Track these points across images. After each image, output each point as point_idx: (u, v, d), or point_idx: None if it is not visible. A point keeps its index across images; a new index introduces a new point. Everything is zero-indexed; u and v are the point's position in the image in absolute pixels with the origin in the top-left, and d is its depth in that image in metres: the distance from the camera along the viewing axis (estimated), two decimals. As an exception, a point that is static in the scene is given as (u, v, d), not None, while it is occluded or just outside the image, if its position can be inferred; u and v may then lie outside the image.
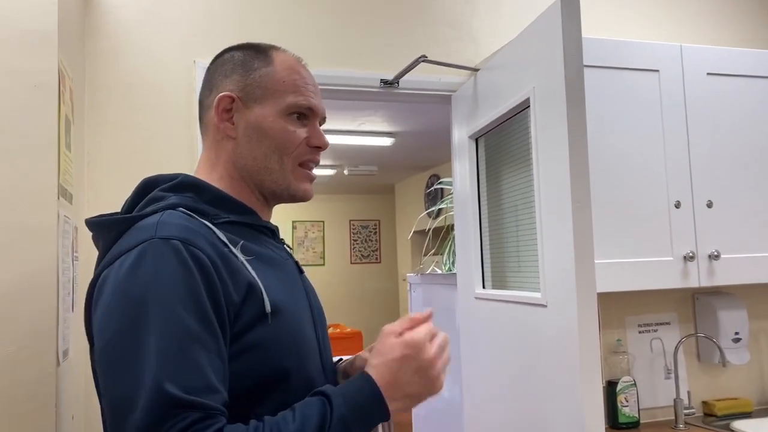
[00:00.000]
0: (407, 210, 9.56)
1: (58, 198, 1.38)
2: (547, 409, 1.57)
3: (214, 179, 1.04)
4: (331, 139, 6.51)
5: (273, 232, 1.10)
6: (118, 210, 1.04)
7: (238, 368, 0.87)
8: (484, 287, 2.06)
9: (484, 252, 2.07)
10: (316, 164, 1.09)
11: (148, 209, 0.96)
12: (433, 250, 2.90)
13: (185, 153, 2.00)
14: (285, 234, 11.07)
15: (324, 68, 2.16)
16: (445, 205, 2.70)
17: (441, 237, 2.89)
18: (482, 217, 2.08)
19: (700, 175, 2.10)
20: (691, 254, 2.04)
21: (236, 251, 0.94)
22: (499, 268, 2.03)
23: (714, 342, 2.27)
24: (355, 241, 11.62)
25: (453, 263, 2.66)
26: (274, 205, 1.10)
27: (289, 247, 1.15)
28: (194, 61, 2.03)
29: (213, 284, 0.86)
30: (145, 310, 0.82)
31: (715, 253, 2.07)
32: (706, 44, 2.56)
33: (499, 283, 2.03)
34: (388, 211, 10.87)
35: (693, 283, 2.06)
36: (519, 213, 1.91)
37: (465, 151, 2.13)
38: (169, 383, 0.78)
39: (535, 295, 1.64)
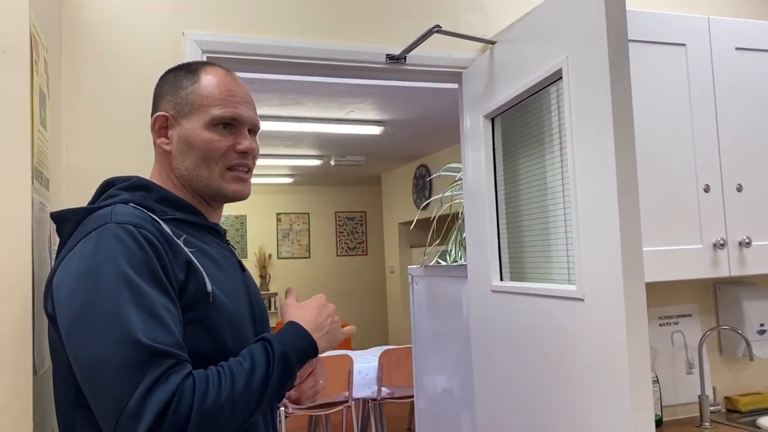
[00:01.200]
0: (394, 201, 9.40)
1: (33, 182, 1.20)
2: (583, 416, 1.42)
3: (162, 182, 1.18)
4: (319, 128, 6.32)
5: (218, 232, 1.22)
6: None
7: (191, 336, 1.01)
8: (501, 279, 1.90)
9: (501, 241, 1.91)
10: (247, 168, 1.19)
11: (102, 203, 1.08)
12: (437, 241, 2.74)
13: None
14: (269, 226, 10.85)
15: (325, 41, 1.98)
16: (450, 193, 2.54)
17: (446, 227, 2.73)
18: (499, 203, 1.92)
19: (729, 157, 1.96)
20: (721, 241, 1.90)
21: (179, 243, 1.06)
22: (520, 259, 1.87)
23: (740, 334, 2.14)
24: (341, 233, 11.44)
25: (460, 254, 2.51)
26: (218, 206, 1.23)
27: (233, 247, 1.28)
28: (183, 33, 1.84)
29: (163, 261, 1.00)
30: (111, 282, 0.94)
31: (746, 240, 1.93)
32: (735, 17, 2.42)
33: (519, 274, 1.88)
34: (374, 203, 10.69)
35: (723, 272, 1.93)
36: (545, 198, 1.76)
37: (479, 133, 1.97)
38: (144, 337, 0.91)
39: (569, 288, 1.49)
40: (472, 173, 2.03)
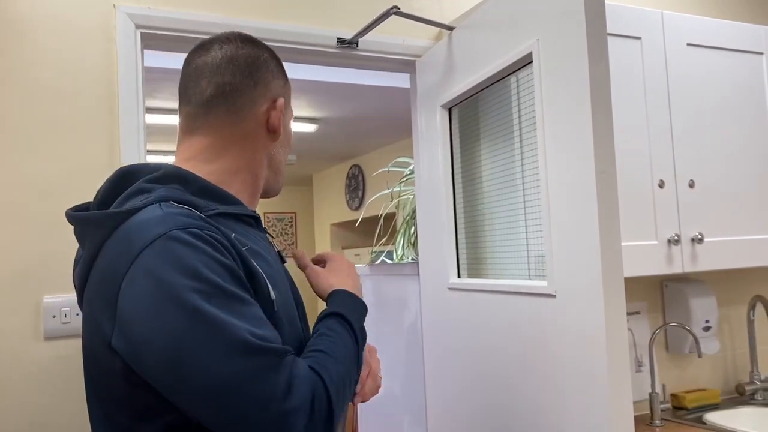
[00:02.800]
0: (326, 202, 9.24)
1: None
2: (557, 420, 1.34)
3: (206, 170, 1.02)
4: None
5: (257, 220, 1.07)
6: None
7: None
8: (459, 276, 1.81)
9: (459, 237, 1.83)
10: None
11: (138, 202, 0.91)
12: (384, 239, 2.63)
13: (102, 120, 1.63)
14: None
15: (272, 21, 1.84)
16: (398, 188, 2.44)
17: (392, 225, 2.63)
18: (457, 196, 1.83)
19: (682, 152, 1.95)
20: (676, 237, 1.89)
21: (242, 246, 0.94)
22: (479, 255, 1.79)
23: (689, 331, 2.14)
24: (269, 235, 11.16)
25: (407, 252, 2.41)
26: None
27: (270, 236, 1.12)
28: (114, 6, 1.66)
29: (237, 262, 0.89)
30: (196, 293, 0.81)
31: (699, 237, 1.92)
32: (687, 13, 2.43)
33: (478, 271, 1.80)
34: (305, 203, 10.48)
35: (677, 268, 1.91)
36: (508, 190, 1.68)
37: (435, 124, 1.88)
38: (256, 340, 0.81)
39: (539, 284, 1.41)
40: (427, 166, 1.94)
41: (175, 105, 5.46)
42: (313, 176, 9.84)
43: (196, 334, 0.80)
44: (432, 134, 1.89)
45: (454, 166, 1.83)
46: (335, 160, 8.61)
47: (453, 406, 1.82)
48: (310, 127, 6.31)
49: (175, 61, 4.77)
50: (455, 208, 1.82)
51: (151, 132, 6.45)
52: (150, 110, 5.64)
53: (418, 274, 2.21)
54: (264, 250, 1.00)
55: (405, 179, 2.41)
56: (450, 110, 1.84)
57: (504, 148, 1.71)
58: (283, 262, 1.09)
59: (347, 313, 1.00)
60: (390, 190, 2.43)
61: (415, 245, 2.39)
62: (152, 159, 8.36)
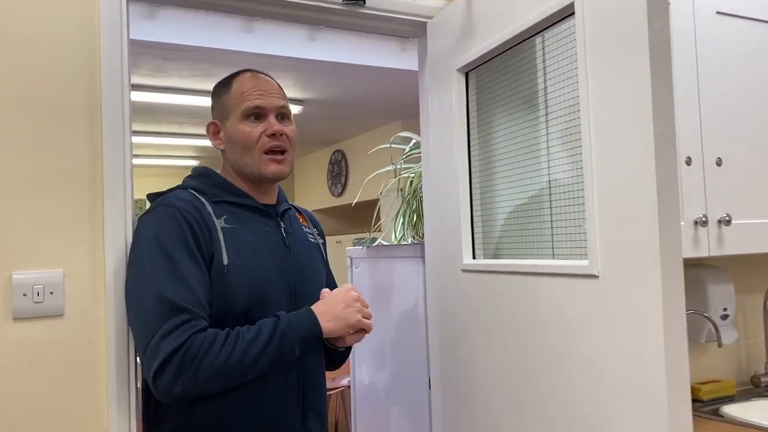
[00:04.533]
0: (308, 188, 9.03)
1: None
2: (595, 421, 1.20)
3: (224, 174, 1.42)
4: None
5: (267, 212, 1.41)
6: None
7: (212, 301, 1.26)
8: (474, 257, 1.66)
9: (475, 214, 1.67)
10: (282, 149, 1.37)
11: (172, 189, 1.39)
12: (380, 223, 2.47)
13: (80, 91, 1.44)
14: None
15: (271, -26, 1.66)
16: (398, 166, 2.27)
17: (376, 212, 2.46)
18: (473, 170, 1.68)
19: (709, 128, 1.81)
20: (703, 218, 1.76)
21: (217, 221, 1.31)
22: (496, 234, 1.64)
23: (709, 319, 2.02)
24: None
25: (407, 233, 2.25)
26: (268, 188, 1.43)
27: (305, 226, 1.52)
28: (95, -54, 1.46)
29: (197, 236, 1.27)
30: (152, 250, 1.25)
31: (727, 218, 1.80)
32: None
33: (494, 252, 1.65)
34: (286, 189, 10.25)
35: (703, 252, 1.78)
36: (529, 162, 1.53)
37: (450, 90, 1.71)
38: (169, 294, 1.20)
39: (577, 264, 1.26)
40: (439, 138, 1.78)
41: (157, 80, 5.22)
42: (295, 161, 9.63)
43: (138, 272, 1.26)
44: (445, 101, 1.73)
45: (471, 137, 1.67)
46: (318, 145, 8.40)
47: (466, 399, 1.67)
48: (294, 109, 6.10)
49: (157, 33, 4.45)
50: (471, 184, 1.67)
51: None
52: (131, 87, 5.39)
53: (421, 256, 2.06)
54: (257, 232, 1.36)
55: (408, 155, 2.25)
56: (467, 75, 1.68)
57: (527, 117, 1.56)
58: (287, 246, 1.39)
59: (285, 318, 1.25)
60: (393, 167, 2.27)
61: (416, 226, 2.24)
62: (133, 139, 8.05)
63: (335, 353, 1.44)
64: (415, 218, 2.23)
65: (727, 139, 1.84)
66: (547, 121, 1.51)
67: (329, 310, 1.28)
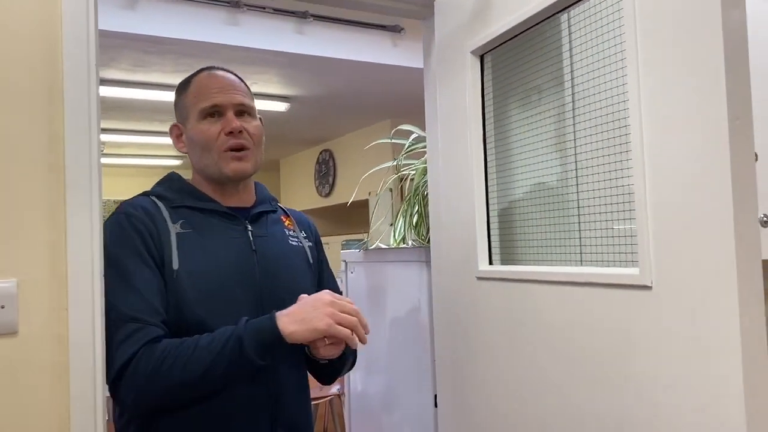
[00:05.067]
0: (294, 189, 8.82)
1: None
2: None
3: (193, 178, 1.39)
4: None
5: (230, 215, 1.34)
6: None
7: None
8: (491, 263, 1.48)
9: (492, 216, 1.49)
10: (241, 146, 1.30)
11: (137, 195, 1.37)
12: (379, 222, 2.28)
13: (40, 110, 1.23)
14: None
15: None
16: (397, 162, 2.09)
17: (375, 206, 2.27)
18: (489, 164, 1.49)
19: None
20: (764, 218, 1.58)
21: (171, 226, 1.28)
22: (514, 239, 1.46)
23: None
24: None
25: (409, 234, 2.07)
26: (233, 189, 1.35)
27: (287, 226, 1.43)
28: None
29: (147, 242, 1.24)
30: (108, 259, 1.22)
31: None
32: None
33: (513, 258, 1.47)
34: (271, 189, 10.01)
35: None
36: (554, 158, 1.35)
37: (462, 75, 1.53)
38: (118, 303, 1.18)
39: (625, 272, 1.08)
40: (448, 129, 1.59)
41: (138, 75, 4.99)
42: (281, 161, 9.39)
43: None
44: (457, 89, 1.55)
45: (486, 128, 1.49)
46: (305, 145, 8.19)
47: (484, 426, 1.48)
48: (280, 106, 5.89)
49: (137, 24, 4.21)
50: (487, 180, 1.48)
51: (107, 108, 5.94)
52: (109, 82, 5.15)
53: (426, 261, 1.88)
54: (217, 237, 1.29)
55: (409, 150, 2.06)
56: (482, 58, 1.50)
57: (552, 104, 1.38)
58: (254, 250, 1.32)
59: (242, 325, 1.17)
60: (395, 162, 2.08)
61: (417, 227, 2.05)
62: (110, 138, 7.73)
63: (322, 365, 1.33)
64: (416, 219, 2.05)
65: None
66: (574, 108, 1.34)
67: (294, 312, 1.17)
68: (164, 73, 5.06)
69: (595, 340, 1.14)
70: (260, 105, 5.75)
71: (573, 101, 1.35)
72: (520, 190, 1.45)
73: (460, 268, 1.54)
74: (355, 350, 1.40)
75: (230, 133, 1.28)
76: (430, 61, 1.69)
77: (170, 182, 1.36)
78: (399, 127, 2.07)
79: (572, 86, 1.35)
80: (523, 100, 1.44)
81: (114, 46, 4.35)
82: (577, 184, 1.35)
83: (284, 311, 1.17)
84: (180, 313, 1.20)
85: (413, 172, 2.12)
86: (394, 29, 4.96)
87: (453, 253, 1.57)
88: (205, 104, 1.29)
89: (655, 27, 1.01)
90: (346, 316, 1.16)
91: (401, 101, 5.93)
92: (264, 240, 1.33)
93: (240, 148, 1.29)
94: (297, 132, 7.32)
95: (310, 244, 1.44)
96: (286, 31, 4.57)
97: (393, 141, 2.11)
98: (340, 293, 1.44)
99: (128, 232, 1.23)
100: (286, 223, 1.42)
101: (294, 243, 1.40)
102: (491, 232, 1.48)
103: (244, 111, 1.32)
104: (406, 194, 2.10)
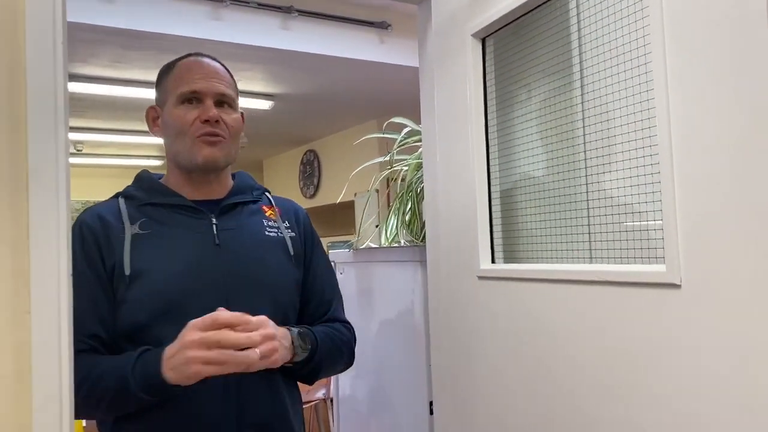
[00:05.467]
0: (278, 190, 8.67)
1: None
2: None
3: (168, 168, 1.34)
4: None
5: (194, 208, 1.28)
6: None
7: (118, 315, 1.19)
8: (494, 261, 1.38)
9: (494, 210, 1.39)
10: (216, 134, 1.25)
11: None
12: (368, 223, 2.17)
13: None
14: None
15: None
16: (391, 156, 1.98)
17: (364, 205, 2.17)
18: (491, 156, 1.39)
19: None
20: None
21: (128, 227, 1.24)
22: (518, 235, 1.36)
23: None
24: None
25: (400, 233, 1.97)
26: (204, 177, 1.30)
27: (269, 216, 1.35)
28: None
29: (94, 250, 1.22)
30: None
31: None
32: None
33: (516, 256, 1.37)
34: (254, 190, 9.84)
35: None
36: (561, 147, 1.25)
37: (462, 60, 1.43)
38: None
39: (650, 270, 0.98)
40: (446, 119, 1.49)
41: (119, 72, 4.84)
42: (264, 162, 9.26)
43: None
44: (456, 76, 1.45)
45: (489, 117, 1.39)
46: (289, 145, 8.06)
47: (483, 430, 1.38)
48: (264, 104, 5.76)
49: (117, 18, 4.06)
50: (489, 174, 1.38)
51: (86, 106, 5.78)
52: (88, 78, 4.99)
53: (421, 260, 1.78)
54: (179, 236, 1.24)
55: (402, 144, 1.96)
56: (484, 41, 1.40)
57: (559, 91, 1.29)
58: (217, 245, 1.25)
59: (137, 357, 1.13)
60: (388, 156, 1.98)
61: (410, 225, 1.95)
62: (90, 137, 7.53)
63: (290, 367, 1.23)
64: (409, 217, 1.95)
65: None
66: (583, 93, 1.25)
67: (169, 356, 1.10)
68: (145, 70, 4.92)
69: (611, 344, 1.04)
70: (244, 103, 5.62)
71: (582, 85, 1.26)
72: (524, 183, 1.35)
73: (460, 268, 1.44)
74: (348, 342, 1.34)
75: (206, 121, 1.24)
76: (426, 47, 1.59)
77: (140, 181, 1.33)
78: (391, 120, 1.97)
79: (581, 69, 1.26)
80: (529, 86, 1.34)
81: (93, 40, 4.21)
82: (587, 175, 1.26)
83: (169, 351, 1.09)
84: (133, 319, 1.18)
85: (405, 168, 2.02)
86: (382, 26, 4.86)
87: (452, 252, 1.47)
88: (184, 89, 1.25)
89: (689, 10, 0.91)
90: (217, 354, 1.05)
91: (388, 100, 5.83)
92: (231, 233, 1.28)
93: (214, 135, 1.25)
94: (281, 131, 7.20)
95: (293, 234, 1.36)
96: (271, 27, 4.46)
97: (385, 135, 2.01)
98: (335, 284, 1.42)
99: (80, 241, 1.21)
100: (267, 213, 1.35)
101: (271, 234, 1.32)
102: (494, 228, 1.38)
103: (224, 102, 1.28)
104: (398, 191, 2.00)
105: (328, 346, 1.27)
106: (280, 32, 4.48)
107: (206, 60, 1.32)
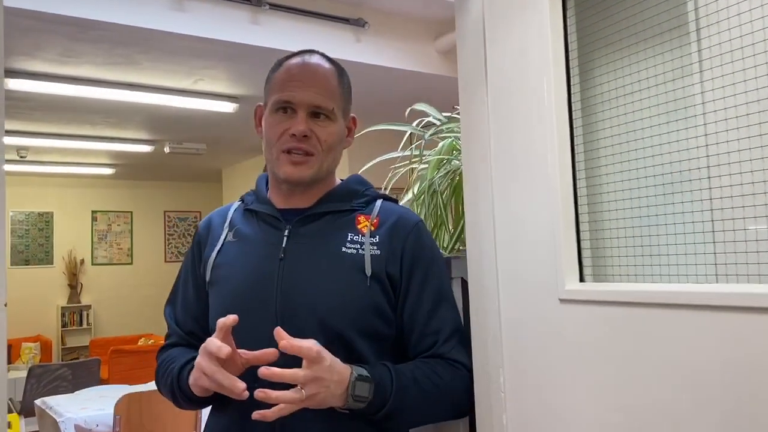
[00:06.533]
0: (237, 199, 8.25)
1: None
2: None
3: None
4: (154, 100, 5.02)
5: (275, 218, 1.26)
6: None
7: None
8: (582, 279, 1.05)
9: (581, 213, 1.07)
10: (304, 151, 1.21)
11: None
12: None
13: None
14: (82, 226, 9.15)
15: None
16: (412, 151, 1.65)
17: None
18: (575, 143, 1.07)
19: None
20: None
21: (225, 233, 1.29)
22: (616, 244, 1.04)
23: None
24: (171, 235, 9.98)
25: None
26: (291, 191, 1.26)
27: (359, 229, 1.24)
28: None
29: (195, 259, 1.33)
30: None
31: None
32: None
33: (612, 272, 1.05)
34: (212, 202, 9.36)
35: None
36: (668, 132, 0.95)
37: (528, 17, 1.10)
38: (166, 312, 1.37)
39: None
40: (506, 94, 1.17)
41: (66, 68, 4.37)
42: (224, 171, 8.80)
43: None
44: (522, 37, 1.12)
45: (572, 91, 1.07)
46: (250, 153, 7.65)
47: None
48: (227, 107, 5.36)
49: (66, 5, 3.53)
50: (575, 166, 1.06)
51: (31, 107, 5.26)
52: (31, 75, 4.50)
53: (453, 276, 1.44)
54: (256, 245, 1.25)
55: (437, 131, 1.62)
56: (566, -5, 1.08)
57: (667, 57, 0.98)
58: (281, 259, 1.23)
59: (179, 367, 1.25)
60: (407, 152, 1.64)
61: (435, 233, 1.63)
62: (34, 142, 6.89)
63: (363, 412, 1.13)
64: (432, 224, 1.62)
65: None
66: (701, 61, 0.95)
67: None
68: (96, 66, 4.48)
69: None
70: (205, 104, 5.20)
71: (699, 49, 0.96)
72: (622, 177, 1.03)
73: (529, 288, 1.11)
74: (452, 388, 1.18)
75: (293, 135, 1.20)
76: (467, 6, 1.26)
77: (258, 181, 1.35)
78: (414, 106, 1.63)
79: (698, 30, 0.96)
80: (625, 50, 1.03)
81: (37, 30, 3.75)
82: (708, 166, 0.96)
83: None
84: (211, 323, 1.21)
85: (425, 167, 1.69)
86: (358, 23, 4.55)
87: (515, 267, 1.14)
88: (279, 96, 1.21)
89: None
90: (209, 382, 1.08)
91: (363, 102, 5.50)
92: (302, 246, 1.22)
93: (303, 153, 1.21)
94: (244, 138, 6.80)
95: (377, 251, 1.21)
96: (238, 20, 4.08)
97: (397, 127, 1.67)
98: (449, 317, 1.25)
99: (191, 247, 1.36)
100: (359, 225, 1.24)
101: (350, 250, 1.21)
102: (581, 237, 1.05)
103: (320, 113, 1.21)
104: (416, 193, 1.66)
105: (415, 391, 1.13)
106: (248, 26, 4.11)
107: (313, 62, 1.25)
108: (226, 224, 1.29)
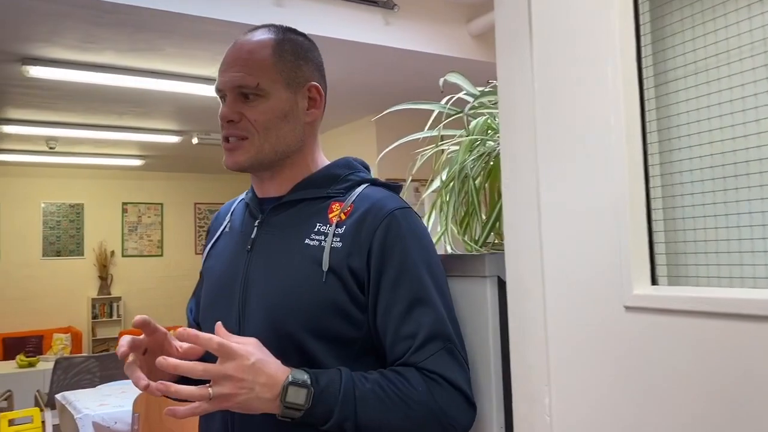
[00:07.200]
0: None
1: None
2: None
3: None
4: (180, 88, 4.88)
5: (255, 208, 1.21)
6: None
7: None
8: (655, 282, 0.84)
9: (653, 204, 0.86)
10: (234, 136, 1.14)
11: None
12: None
13: None
14: (112, 218, 9.16)
15: None
16: (422, 136, 1.45)
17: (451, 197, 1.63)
18: (646, 117, 0.86)
19: None
20: None
21: (225, 224, 1.27)
22: (695, 237, 0.83)
23: None
24: (201, 227, 9.94)
25: (450, 236, 1.44)
26: (257, 177, 1.20)
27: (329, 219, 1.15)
28: None
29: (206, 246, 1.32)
30: None
31: None
32: None
33: (691, 273, 0.84)
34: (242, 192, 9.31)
35: None
36: (755, 105, 0.73)
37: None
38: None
39: None
40: (556, 54, 0.96)
41: (87, 55, 4.26)
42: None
43: None
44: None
45: (643, 50, 0.86)
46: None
47: None
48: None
49: None
50: (646, 143, 0.85)
51: (56, 96, 5.19)
52: (51, 62, 4.41)
53: (489, 275, 1.24)
54: (237, 234, 1.22)
55: (471, 109, 1.42)
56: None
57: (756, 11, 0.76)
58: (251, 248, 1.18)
59: None
60: (434, 132, 1.44)
61: (465, 225, 1.43)
62: (62, 132, 6.86)
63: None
64: (462, 214, 1.42)
65: None
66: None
67: None
68: (118, 52, 4.36)
69: None
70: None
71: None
72: (704, 151, 0.82)
73: (586, 292, 0.90)
74: (422, 401, 1.03)
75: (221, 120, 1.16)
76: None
77: None
78: (447, 76, 1.43)
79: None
80: (705, 10, 0.82)
81: (55, 14, 3.63)
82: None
83: None
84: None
85: (454, 149, 1.49)
86: (387, 5, 4.34)
87: (566, 266, 0.94)
88: (215, 84, 1.18)
89: None
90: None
91: (391, 91, 5.30)
92: (270, 237, 1.16)
93: (235, 138, 1.14)
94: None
95: (339, 244, 1.09)
96: (263, 3, 3.92)
97: (421, 107, 1.47)
98: (428, 322, 1.08)
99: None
100: (330, 215, 1.13)
101: (313, 242, 1.11)
102: (653, 231, 0.84)
103: (247, 93, 1.12)
104: (446, 180, 1.46)
105: (375, 403, 0.99)
106: (273, 9, 3.94)
107: (242, 40, 1.16)
108: (228, 215, 1.29)
